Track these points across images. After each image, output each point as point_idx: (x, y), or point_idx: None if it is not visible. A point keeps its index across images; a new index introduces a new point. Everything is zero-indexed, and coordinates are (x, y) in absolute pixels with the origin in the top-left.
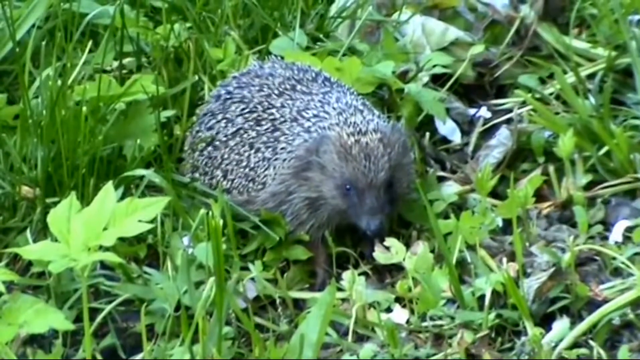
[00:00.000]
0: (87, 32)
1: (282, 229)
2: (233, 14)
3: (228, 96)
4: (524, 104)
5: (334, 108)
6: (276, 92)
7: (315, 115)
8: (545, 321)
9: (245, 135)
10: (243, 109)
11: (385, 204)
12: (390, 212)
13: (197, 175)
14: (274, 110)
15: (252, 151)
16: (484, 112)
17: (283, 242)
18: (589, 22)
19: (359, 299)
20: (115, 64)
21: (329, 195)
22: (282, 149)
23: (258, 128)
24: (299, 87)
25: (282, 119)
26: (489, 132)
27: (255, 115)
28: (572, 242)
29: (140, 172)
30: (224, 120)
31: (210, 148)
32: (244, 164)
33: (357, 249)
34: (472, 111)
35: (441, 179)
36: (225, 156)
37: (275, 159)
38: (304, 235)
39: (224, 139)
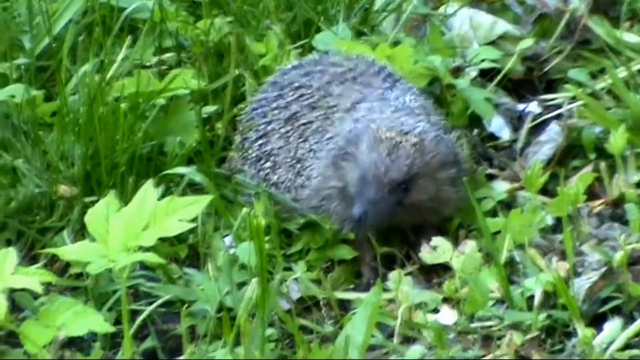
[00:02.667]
0: (126, 27)
1: (328, 229)
2: (275, 8)
3: (285, 82)
4: (574, 99)
5: (389, 105)
6: (337, 80)
7: (368, 109)
8: (596, 322)
9: (296, 123)
10: (300, 95)
11: (387, 203)
12: (391, 213)
13: (246, 168)
14: (329, 99)
15: (301, 140)
16: (534, 108)
17: (328, 241)
18: None
19: (405, 300)
20: (155, 59)
21: (350, 185)
22: (328, 138)
23: (311, 115)
24: (360, 79)
25: (336, 109)
26: (538, 128)
27: (311, 100)
28: (624, 241)
29: (180, 170)
30: (279, 108)
31: (261, 140)
32: (292, 154)
33: (403, 249)
34: (521, 107)
35: (490, 177)
36: (275, 146)
37: (321, 150)
38: (349, 234)
39: (277, 127)
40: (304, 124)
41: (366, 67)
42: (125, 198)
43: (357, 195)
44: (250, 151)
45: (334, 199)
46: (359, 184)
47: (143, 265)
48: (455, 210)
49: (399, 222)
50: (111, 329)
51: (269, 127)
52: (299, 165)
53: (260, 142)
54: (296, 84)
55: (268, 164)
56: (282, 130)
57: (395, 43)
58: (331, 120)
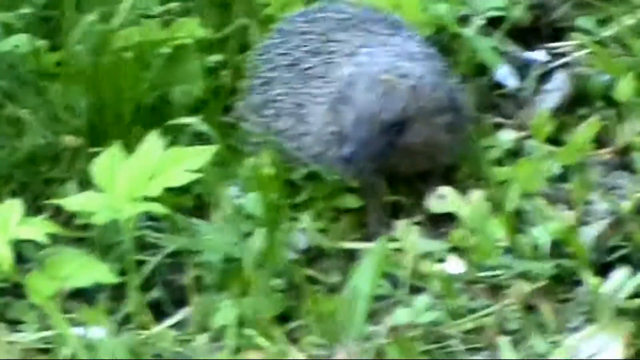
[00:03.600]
0: None
1: (332, 178)
2: None
3: (290, 29)
4: (581, 47)
5: (390, 50)
6: (340, 26)
7: (369, 54)
8: (604, 271)
9: (299, 67)
10: (303, 41)
11: (378, 144)
12: (382, 155)
13: (250, 116)
14: (332, 44)
15: (303, 86)
16: (540, 56)
17: (334, 191)
18: None
19: (412, 249)
20: (160, 8)
21: (346, 127)
22: (329, 82)
23: (313, 59)
24: (363, 25)
25: (338, 53)
26: (545, 77)
27: (313, 46)
28: (632, 189)
29: (186, 119)
30: (282, 54)
31: (265, 87)
32: (294, 99)
33: (410, 198)
34: (527, 55)
35: (497, 126)
36: (278, 92)
37: (322, 96)
38: (355, 183)
39: (280, 73)
40: (306, 69)
41: (370, 14)
42: (130, 148)
43: (349, 135)
44: (253, 98)
45: (334, 144)
46: (353, 125)
47: (149, 216)
48: (455, 158)
49: (398, 168)
50: (117, 280)
51: (272, 74)
52: (301, 112)
53: (263, 88)
54: (300, 31)
55: (271, 111)
56: (285, 76)
57: None
58: (332, 66)
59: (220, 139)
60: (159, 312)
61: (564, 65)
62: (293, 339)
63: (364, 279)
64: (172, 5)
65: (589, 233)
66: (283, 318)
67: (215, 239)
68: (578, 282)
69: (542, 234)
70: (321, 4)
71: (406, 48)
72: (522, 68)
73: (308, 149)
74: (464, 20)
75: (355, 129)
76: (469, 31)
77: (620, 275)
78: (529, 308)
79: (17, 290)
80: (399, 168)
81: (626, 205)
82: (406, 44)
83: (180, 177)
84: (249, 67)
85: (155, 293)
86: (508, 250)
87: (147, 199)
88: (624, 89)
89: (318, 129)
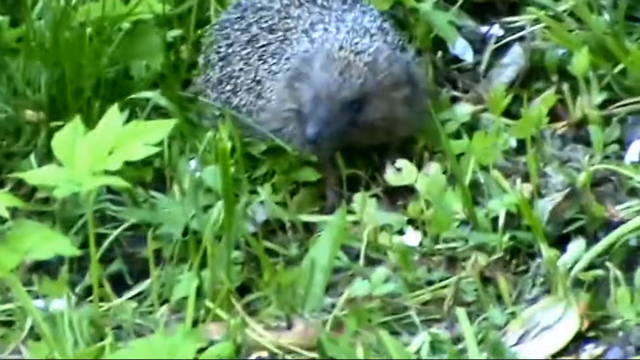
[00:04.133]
0: None
1: (290, 152)
2: None
3: (248, 4)
4: (537, 21)
5: (346, 26)
6: (296, 2)
7: (325, 30)
8: (560, 243)
9: (256, 44)
10: (260, 17)
11: (339, 122)
12: (344, 132)
13: (208, 91)
14: (289, 20)
15: (260, 62)
16: (496, 30)
17: (292, 164)
18: None
19: (370, 222)
20: None
21: (304, 105)
22: (286, 59)
23: (270, 36)
24: (319, 1)
25: (294, 30)
26: (501, 51)
27: (270, 23)
28: (587, 162)
29: (146, 94)
30: (240, 30)
31: (223, 62)
32: (252, 75)
33: (368, 171)
34: (484, 29)
35: (453, 99)
36: (236, 68)
37: (279, 72)
38: (312, 156)
39: (238, 49)
40: (263, 46)
41: None
42: (91, 123)
43: (310, 115)
44: (212, 74)
45: (291, 121)
46: (312, 104)
47: (109, 189)
48: (414, 131)
49: (357, 143)
50: (78, 252)
51: (230, 50)
52: (258, 88)
53: (221, 64)
54: (257, 6)
55: (229, 87)
56: (243, 53)
57: None
58: (289, 42)
59: (180, 113)
60: (119, 284)
61: (520, 40)
62: (252, 310)
63: (322, 252)
64: None
65: (545, 205)
66: (242, 290)
67: (174, 212)
68: (534, 255)
69: (498, 207)
70: None
71: (362, 23)
72: (478, 42)
73: (266, 124)
74: None
75: (316, 108)
76: (425, 6)
77: (575, 247)
78: (486, 280)
79: None
80: (358, 142)
81: (581, 178)
82: (362, 19)
83: (140, 151)
84: (207, 43)
85: (116, 265)
86: (465, 223)
87: (107, 172)
88: (579, 63)
89: (276, 105)
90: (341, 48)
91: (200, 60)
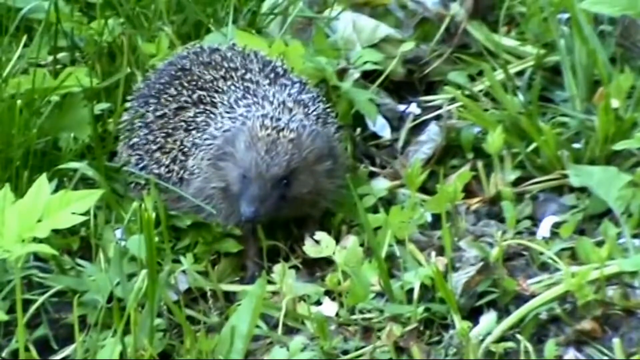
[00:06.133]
0: (22, 27)
1: (214, 226)
2: (166, 10)
3: (174, 70)
4: (453, 100)
5: (270, 102)
6: (225, 75)
7: (248, 105)
8: (473, 315)
9: (182, 115)
10: (186, 89)
11: (272, 198)
12: (276, 208)
13: (133, 161)
14: (215, 94)
15: (186, 134)
16: (414, 109)
17: (215, 236)
18: (518, 20)
19: (289, 292)
20: (50, 58)
21: (231, 183)
22: (209, 135)
23: (195, 109)
24: (248, 75)
25: (221, 103)
26: (418, 128)
27: (200, 94)
28: (500, 237)
29: (73, 164)
30: (167, 95)
31: (145, 130)
32: (177, 146)
33: (287, 243)
34: (402, 107)
35: (371, 174)
36: (161, 139)
37: (202, 146)
38: (235, 228)
39: (163, 120)
40: (187, 120)
41: (252, 62)
42: (20, 191)
43: (242, 194)
44: (137, 144)
45: (217, 198)
46: (241, 183)
47: (37, 256)
48: (335, 204)
49: (283, 216)
50: (5, 317)
51: (154, 119)
52: (183, 158)
53: (146, 135)
54: (187, 73)
55: (155, 157)
56: (169, 123)
57: None
58: (214, 116)
59: (106, 183)
60: (45, 349)
61: (437, 118)
62: None
63: (242, 320)
64: (61, 55)
65: (459, 279)
66: (164, 356)
67: (99, 280)
68: (447, 326)
69: (413, 279)
70: (205, 46)
71: (284, 98)
72: (396, 120)
73: (191, 197)
74: (342, 72)
75: (247, 187)
76: (347, 84)
77: (487, 319)
78: (400, 349)
79: None
80: (285, 215)
81: (494, 253)
82: (283, 93)
83: (67, 220)
84: (131, 113)
85: (42, 331)
86: (380, 294)
87: (35, 240)
88: (493, 141)
89: (199, 183)
90: (265, 126)
91: (125, 117)
